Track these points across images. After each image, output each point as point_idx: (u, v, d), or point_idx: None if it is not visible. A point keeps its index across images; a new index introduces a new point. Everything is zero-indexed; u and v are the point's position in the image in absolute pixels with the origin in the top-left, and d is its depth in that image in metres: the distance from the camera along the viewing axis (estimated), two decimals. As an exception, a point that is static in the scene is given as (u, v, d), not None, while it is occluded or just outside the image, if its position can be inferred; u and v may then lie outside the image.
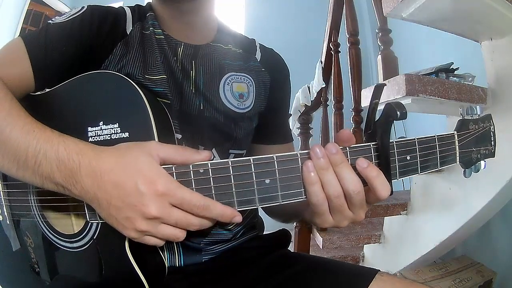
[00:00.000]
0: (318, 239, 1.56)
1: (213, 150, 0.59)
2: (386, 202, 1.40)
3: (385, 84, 0.42)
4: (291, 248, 0.68)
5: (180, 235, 0.41)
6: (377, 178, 0.40)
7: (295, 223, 1.63)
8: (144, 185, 0.38)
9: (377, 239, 1.55)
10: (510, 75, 1.01)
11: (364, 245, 1.67)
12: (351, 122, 1.51)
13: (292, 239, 1.55)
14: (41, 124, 0.42)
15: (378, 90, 0.43)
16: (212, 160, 0.42)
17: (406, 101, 1.02)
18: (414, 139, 0.44)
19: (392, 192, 0.41)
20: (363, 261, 1.71)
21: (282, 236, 0.67)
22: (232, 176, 0.40)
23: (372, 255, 1.66)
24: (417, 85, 0.98)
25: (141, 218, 0.39)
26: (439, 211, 1.24)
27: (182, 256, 0.57)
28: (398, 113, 0.40)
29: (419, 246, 1.32)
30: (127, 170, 0.39)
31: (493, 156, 0.50)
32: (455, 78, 1.17)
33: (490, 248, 1.52)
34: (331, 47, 1.75)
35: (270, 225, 0.73)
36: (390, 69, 1.31)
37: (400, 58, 1.39)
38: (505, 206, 1.12)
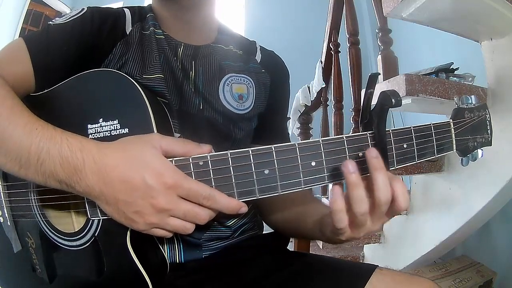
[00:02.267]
0: (318, 239, 1.56)
1: (212, 150, 0.59)
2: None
3: (379, 73, 0.43)
4: (291, 248, 0.68)
5: (189, 226, 0.41)
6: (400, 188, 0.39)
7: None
8: (152, 178, 0.38)
9: (377, 239, 1.55)
10: (510, 75, 1.01)
11: (364, 245, 1.67)
12: (351, 122, 1.51)
13: (292, 239, 1.55)
14: (44, 122, 0.42)
15: (372, 80, 0.43)
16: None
17: (406, 101, 1.02)
18: (410, 127, 0.44)
19: None
20: (363, 261, 1.71)
21: (282, 236, 0.67)
22: (231, 167, 0.41)
23: (372, 255, 1.66)
24: (417, 85, 0.98)
25: (150, 211, 0.39)
26: (439, 211, 1.24)
27: (182, 252, 0.57)
28: (393, 100, 0.40)
29: (419, 246, 1.32)
30: (133, 164, 0.39)
31: (490, 145, 0.50)
32: (455, 78, 1.17)
33: (490, 248, 1.52)
34: (331, 47, 1.75)
35: (270, 225, 0.73)
36: (390, 69, 1.31)
37: (400, 58, 1.39)
38: (505, 206, 1.12)
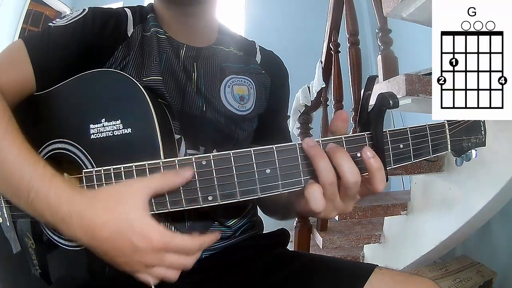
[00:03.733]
0: (318, 239, 1.56)
1: (214, 151, 0.59)
2: (386, 202, 1.40)
3: (377, 76, 0.44)
4: (291, 248, 0.68)
5: (174, 275, 0.42)
6: (380, 171, 0.40)
7: (295, 223, 1.64)
8: (139, 241, 0.39)
9: (377, 239, 1.55)
10: (510, 75, 1.01)
11: (364, 245, 1.67)
12: (351, 122, 1.51)
13: (292, 238, 1.55)
14: (36, 156, 0.42)
15: (370, 82, 0.44)
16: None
17: (406, 101, 1.02)
18: (406, 128, 0.45)
19: (387, 180, 0.42)
20: (363, 261, 1.71)
21: (281, 235, 0.67)
22: (233, 167, 0.41)
23: (372, 255, 1.66)
24: (417, 85, 0.98)
25: (138, 265, 0.41)
26: (439, 211, 1.24)
27: None
28: (390, 102, 0.41)
29: (419, 246, 1.32)
30: (120, 226, 0.39)
31: (484, 145, 0.51)
32: (455, 78, 1.17)
33: (490, 248, 1.52)
34: (331, 47, 1.75)
35: (269, 225, 0.73)
36: (390, 69, 1.31)
37: (400, 58, 1.39)
38: (505, 206, 1.12)
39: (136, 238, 0.39)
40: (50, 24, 0.54)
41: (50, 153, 0.50)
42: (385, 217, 1.48)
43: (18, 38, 0.50)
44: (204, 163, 0.41)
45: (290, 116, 2.06)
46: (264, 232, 0.70)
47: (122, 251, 0.40)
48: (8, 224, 0.54)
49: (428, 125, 0.47)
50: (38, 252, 0.51)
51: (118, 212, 0.40)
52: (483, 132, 0.51)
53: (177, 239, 0.41)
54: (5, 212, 0.54)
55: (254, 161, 0.41)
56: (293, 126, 2.11)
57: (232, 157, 0.41)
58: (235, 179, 0.41)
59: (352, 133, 0.43)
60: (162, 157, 0.44)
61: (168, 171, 0.42)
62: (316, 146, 0.41)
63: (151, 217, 0.40)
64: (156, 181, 0.41)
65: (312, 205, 0.40)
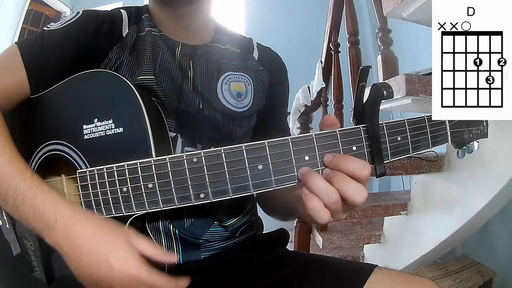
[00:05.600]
0: (318, 239, 1.56)
1: (212, 148, 0.59)
2: (386, 202, 1.40)
3: (370, 67, 0.43)
4: (291, 248, 0.68)
5: None
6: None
7: (295, 223, 1.64)
8: (117, 262, 0.39)
9: (377, 239, 1.55)
10: (510, 75, 1.01)
11: (364, 245, 1.67)
12: (351, 122, 1.51)
13: (292, 239, 1.55)
14: (24, 163, 0.44)
15: (364, 73, 0.43)
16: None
17: (406, 101, 1.02)
18: (404, 120, 0.44)
19: (385, 173, 0.42)
20: (363, 261, 1.71)
21: (281, 235, 0.67)
22: (225, 163, 0.41)
23: (372, 255, 1.66)
24: (417, 85, 0.98)
25: None
26: (439, 211, 1.24)
27: (181, 253, 0.57)
28: (384, 92, 0.40)
29: (419, 246, 1.32)
30: (102, 242, 0.40)
31: (486, 137, 0.50)
32: (455, 78, 1.16)
33: (490, 248, 1.52)
34: (331, 47, 1.75)
35: (269, 225, 0.73)
36: (390, 69, 1.31)
37: (400, 58, 1.38)
38: (505, 206, 1.12)
39: (115, 258, 0.39)
40: (45, 28, 0.54)
41: (46, 154, 0.50)
42: (385, 217, 1.48)
43: (18, 39, 0.50)
44: (195, 160, 0.41)
45: (290, 113, 2.06)
46: (264, 232, 0.70)
47: (97, 269, 0.39)
48: (8, 227, 0.54)
49: (426, 116, 0.45)
50: (38, 253, 0.51)
51: (106, 229, 0.40)
52: (484, 123, 0.49)
53: (153, 276, 0.40)
54: (4, 215, 0.54)
55: (245, 157, 0.41)
56: (293, 126, 2.11)
57: (223, 154, 0.41)
58: (227, 176, 0.41)
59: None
60: (153, 155, 0.44)
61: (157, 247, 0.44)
62: (309, 171, 0.40)
63: (134, 248, 0.41)
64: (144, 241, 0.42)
65: (317, 220, 0.40)
